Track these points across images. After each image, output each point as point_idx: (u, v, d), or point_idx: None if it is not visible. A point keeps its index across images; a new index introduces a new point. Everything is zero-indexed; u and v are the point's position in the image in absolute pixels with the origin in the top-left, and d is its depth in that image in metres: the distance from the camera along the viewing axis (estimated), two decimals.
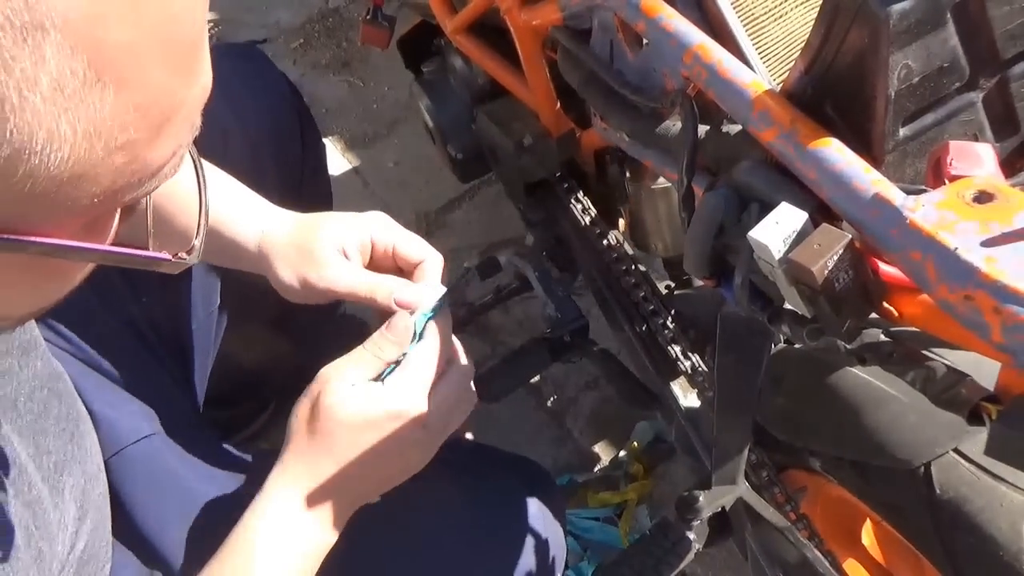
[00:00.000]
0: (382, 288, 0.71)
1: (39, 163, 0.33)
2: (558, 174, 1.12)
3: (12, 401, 0.62)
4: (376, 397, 0.65)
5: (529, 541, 0.86)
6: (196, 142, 0.44)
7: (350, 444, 0.65)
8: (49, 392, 0.68)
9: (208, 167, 0.77)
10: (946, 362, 0.50)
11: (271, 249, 0.75)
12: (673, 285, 1.10)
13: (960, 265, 0.42)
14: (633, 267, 1.04)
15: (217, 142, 0.90)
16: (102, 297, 0.87)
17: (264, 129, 0.97)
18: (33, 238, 0.36)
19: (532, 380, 1.40)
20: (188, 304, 0.91)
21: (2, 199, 0.34)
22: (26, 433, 0.62)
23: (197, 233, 0.47)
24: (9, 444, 0.59)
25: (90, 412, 0.77)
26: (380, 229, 0.75)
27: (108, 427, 0.81)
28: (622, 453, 1.41)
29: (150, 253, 0.44)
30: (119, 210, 0.43)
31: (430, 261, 0.74)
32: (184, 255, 0.45)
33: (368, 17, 1.33)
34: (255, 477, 0.81)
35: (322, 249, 0.73)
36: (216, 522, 0.79)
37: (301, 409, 0.67)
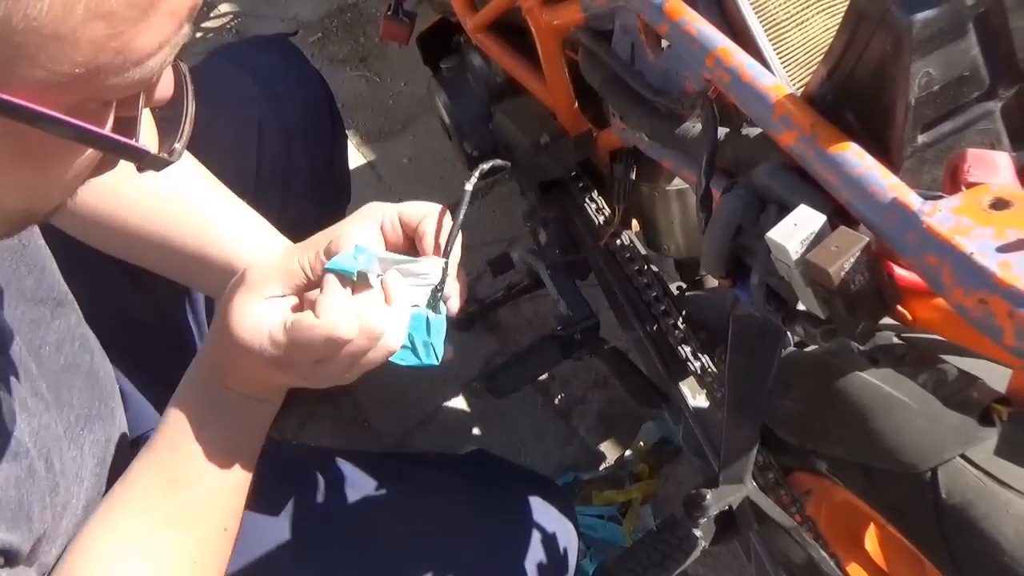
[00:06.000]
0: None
1: (21, 7, 0.35)
2: (573, 173, 1.13)
3: (36, 349, 0.63)
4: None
5: (539, 536, 0.87)
6: (230, 129, 0.46)
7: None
8: (80, 347, 0.69)
9: (230, 199, 0.77)
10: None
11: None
12: (684, 286, 1.11)
13: (975, 269, 0.43)
14: (645, 267, 1.05)
15: (252, 130, 0.92)
16: (133, 281, 0.88)
17: (297, 118, 0.99)
18: (6, 96, 0.37)
19: (540, 378, 1.41)
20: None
21: None
22: (49, 381, 0.63)
23: (180, 135, 0.49)
24: (39, 381, 0.61)
25: (120, 392, 0.78)
26: (376, 208, 0.74)
27: (136, 409, 0.83)
28: (628, 453, 1.42)
29: (130, 141, 0.45)
30: (112, 110, 0.44)
31: (428, 218, 0.70)
32: (166, 155, 0.47)
33: (389, 13, 1.34)
34: (272, 462, 0.82)
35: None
36: None
37: None
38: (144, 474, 0.64)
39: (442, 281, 0.67)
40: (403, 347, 0.66)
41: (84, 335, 0.71)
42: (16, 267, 0.65)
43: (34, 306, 0.64)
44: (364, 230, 0.68)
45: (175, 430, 0.64)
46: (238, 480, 0.67)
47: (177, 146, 0.49)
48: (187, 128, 0.50)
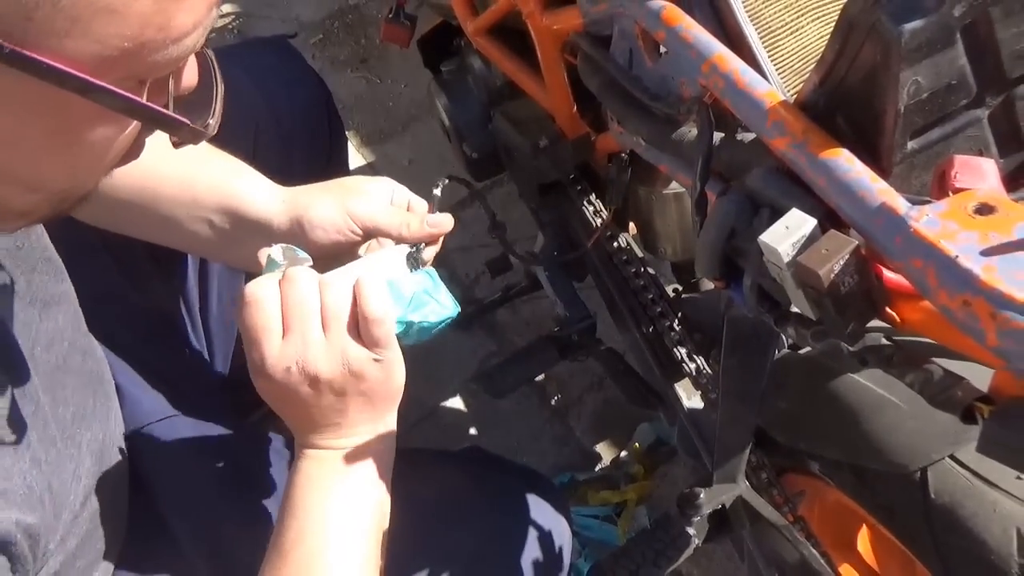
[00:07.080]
0: (415, 218, 0.76)
1: None
2: (572, 176, 1.14)
3: (29, 350, 0.64)
4: None
5: (535, 533, 0.88)
6: (226, 127, 0.49)
7: None
8: (70, 346, 0.70)
9: (226, 156, 0.80)
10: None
11: (301, 200, 0.76)
12: (680, 288, 1.12)
13: (960, 272, 0.44)
14: (642, 270, 1.06)
15: (249, 130, 0.93)
16: (129, 278, 0.89)
17: (294, 120, 1.00)
18: (62, 66, 0.40)
19: (537, 379, 1.42)
20: (213, 285, 0.94)
21: (46, 16, 0.39)
22: (43, 382, 0.65)
23: (212, 113, 0.52)
24: (31, 383, 0.62)
25: (116, 387, 0.79)
26: (397, 187, 0.80)
27: (132, 404, 0.84)
28: (623, 454, 1.43)
29: (169, 112, 0.48)
30: (144, 94, 0.47)
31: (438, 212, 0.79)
32: (201, 127, 0.51)
33: (390, 16, 1.35)
34: (267, 458, 0.83)
35: (363, 184, 0.78)
36: (231, 505, 0.81)
37: None
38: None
39: (417, 249, 0.74)
40: (423, 305, 0.71)
41: (75, 335, 0.72)
42: (9, 269, 0.66)
43: (24, 307, 0.65)
44: (382, 193, 0.76)
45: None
46: (315, 534, 0.65)
47: (211, 121, 0.52)
48: (219, 107, 0.53)
